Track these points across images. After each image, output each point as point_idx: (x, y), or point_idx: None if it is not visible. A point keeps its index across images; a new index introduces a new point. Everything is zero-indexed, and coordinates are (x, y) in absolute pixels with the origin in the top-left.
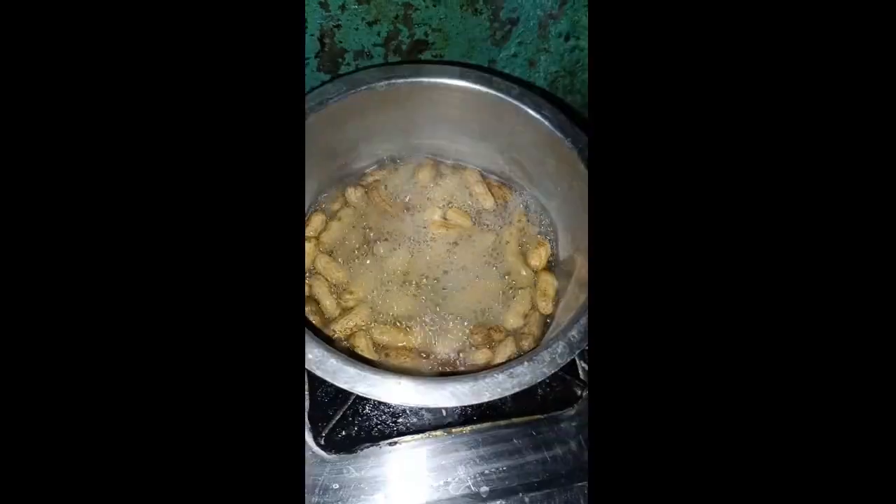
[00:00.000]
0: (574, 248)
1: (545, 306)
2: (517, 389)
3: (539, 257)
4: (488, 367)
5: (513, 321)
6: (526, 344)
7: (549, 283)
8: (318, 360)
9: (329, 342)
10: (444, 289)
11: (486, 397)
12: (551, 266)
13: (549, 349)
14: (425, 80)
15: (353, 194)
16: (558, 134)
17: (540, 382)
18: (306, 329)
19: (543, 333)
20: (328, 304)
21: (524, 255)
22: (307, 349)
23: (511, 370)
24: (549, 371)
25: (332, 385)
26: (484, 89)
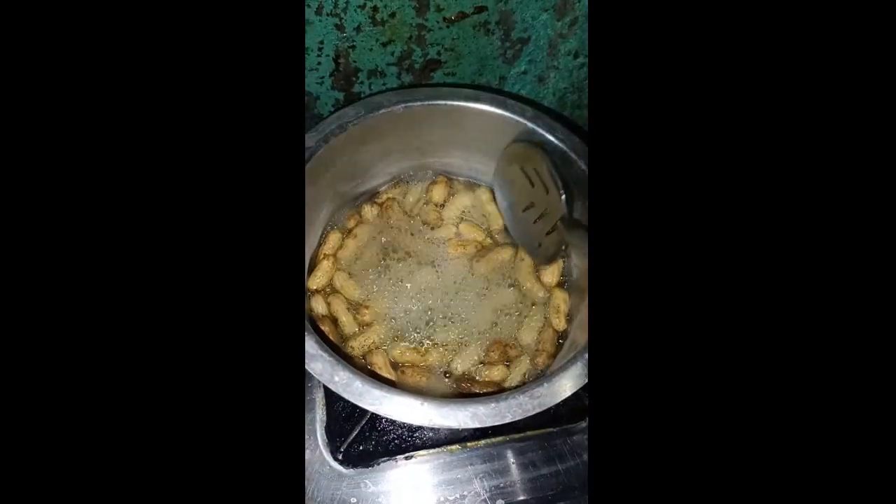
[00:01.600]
0: (586, 265)
1: (558, 323)
2: (538, 410)
3: (552, 274)
4: (507, 389)
5: (527, 338)
6: (540, 360)
7: (561, 299)
8: (345, 383)
9: (346, 359)
10: (459, 305)
11: (507, 418)
12: (564, 283)
13: (568, 371)
14: (441, 102)
15: (370, 212)
16: (572, 155)
17: None
18: (329, 351)
19: (557, 350)
20: (346, 321)
21: (537, 273)
22: (333, 372)
23: (531, 391)
24: (569, 392)
25: (349, 401)
26: (498, 111)
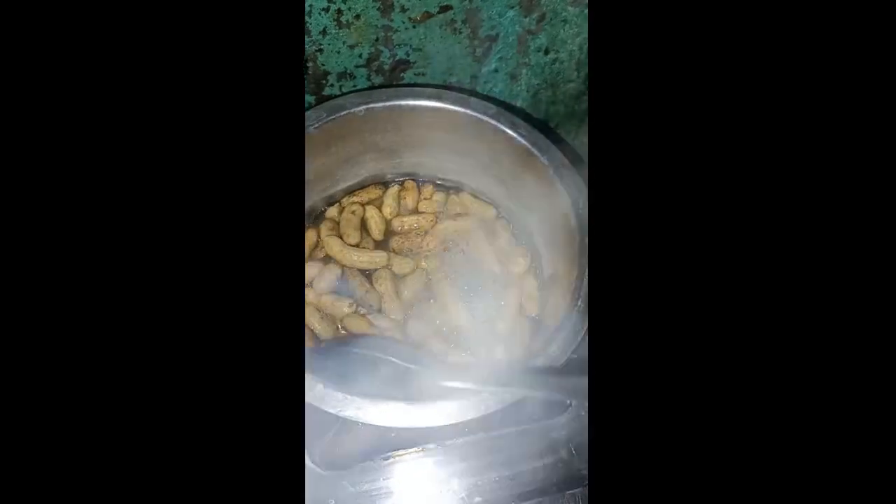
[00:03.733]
0: (555, 261)
1: (532, 307)
2: (501, 406)
3: (519, 264)
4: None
5: (502, 326)
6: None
7: (532, 285)
8: (307, 387)
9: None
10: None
11: (471, 415)
12: (535, 276)
13: (531, 366)
14: (402, 102)
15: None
16: (534, 151)
17: None
18: None
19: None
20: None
21: (506, 264)
22: None
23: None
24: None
25: None
26: (461, 110)
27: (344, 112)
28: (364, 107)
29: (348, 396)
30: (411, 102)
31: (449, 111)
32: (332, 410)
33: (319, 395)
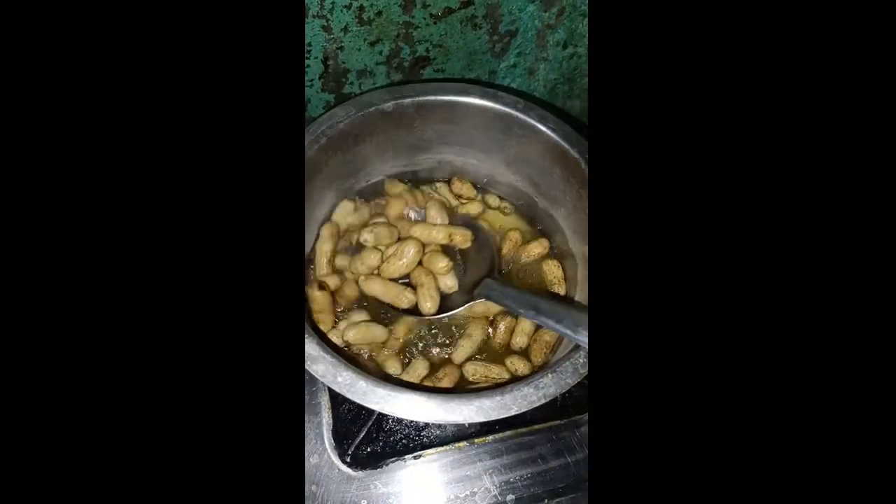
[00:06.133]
0: (585, 256)
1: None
2: (543, 401)
3: (541, 246)
4: (513, 380)
5: (520, 341)
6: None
7: (554, 265)
8: (349, 384)
9: (350, 360)
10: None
11: (513, 410)
12: (552, 252)
13: (571, 360)
14: (431, 98)
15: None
16: (564, 144)
17: None
18: (331, 352)
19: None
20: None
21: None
22: (336, 373)
23: (536, 382)
24: (573, 381)
25: (354, 403)
26: (489, 104)
27: (372, 108)
28: (393, 102)
29: (391, 393)
30: (439, 98)
31: (477, 106)
32: (374, 406)
33: (361, 391)
